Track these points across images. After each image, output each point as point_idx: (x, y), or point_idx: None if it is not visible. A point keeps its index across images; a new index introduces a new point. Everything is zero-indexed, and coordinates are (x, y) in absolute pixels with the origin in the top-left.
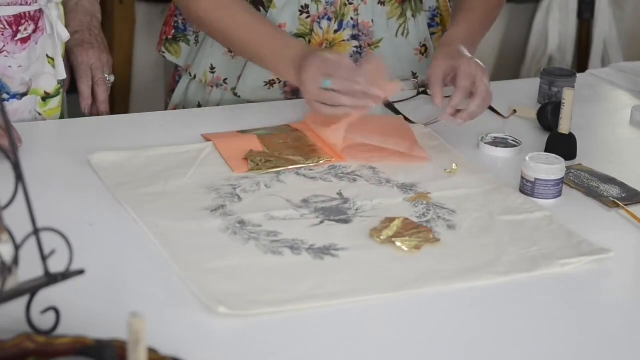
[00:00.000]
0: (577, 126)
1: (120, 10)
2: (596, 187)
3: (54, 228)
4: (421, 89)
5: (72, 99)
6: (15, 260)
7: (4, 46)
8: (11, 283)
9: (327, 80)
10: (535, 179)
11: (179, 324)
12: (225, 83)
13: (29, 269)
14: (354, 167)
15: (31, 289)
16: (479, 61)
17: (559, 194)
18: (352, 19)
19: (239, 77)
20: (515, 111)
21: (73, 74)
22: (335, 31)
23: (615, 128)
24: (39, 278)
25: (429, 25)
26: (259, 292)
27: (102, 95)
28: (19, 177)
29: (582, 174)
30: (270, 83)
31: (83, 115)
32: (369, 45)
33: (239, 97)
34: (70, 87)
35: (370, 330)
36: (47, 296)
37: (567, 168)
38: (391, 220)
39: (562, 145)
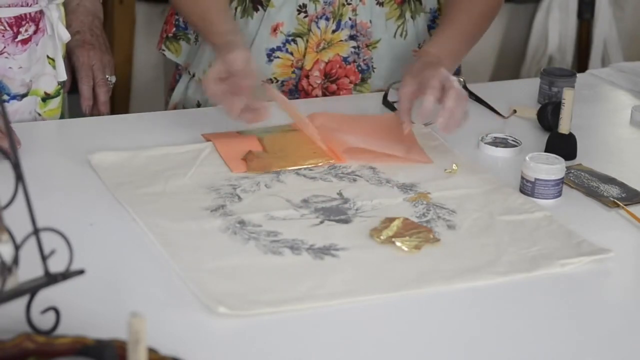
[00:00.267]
0: (577, 126)
1: (120, 10)
2: (596, 187)
3: (54, 228)
4: None
5: (73, 99)
6: (15, 260)
7: (5, 47)
8: (11, 283)
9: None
10: (535, 179)
11: (179, 324)
12: None
13: (29, 269)
14: (354, 167)
15: (31, 289)
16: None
17: (559, 194)
18: (350, 19)
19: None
20: (515, 111)
21: (74, 75)
22: (333, 31)
23: (615, 128)
24: (39, 278)
25: (430, 27)
26: (259, 292)
27: (103, 96)
28: (19, 177)
29: (582, 174)
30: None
31: (83, 116)
32: (367, 45)
33: None
34: (71, 87)
35: (370, 330)
36: (47, 296)
37: (567, 168)
38: (391, 220)
39: (562, 145)
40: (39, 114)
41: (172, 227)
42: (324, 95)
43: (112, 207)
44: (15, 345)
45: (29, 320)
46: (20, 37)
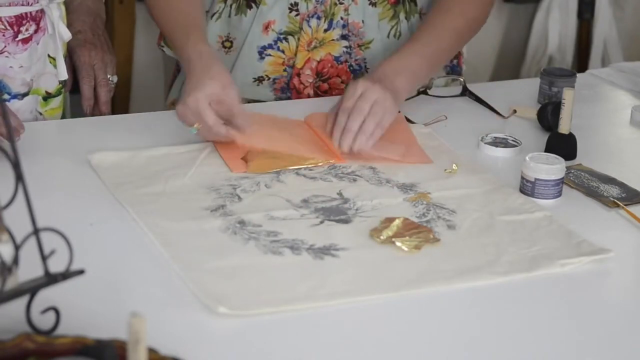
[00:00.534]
0: (577, 126)
1: (120, 10)
2: (596, 187)
3: (54, 228)
4: (421, 89)
5: (74, 99)
6: (15, 260)
7: (5, 47)
8: (11, 283)
9: (192, 128)
10: (535, 179)
11: (179, 324)
12: None
13: (29, 269)
14: (354, 167)
15: (31, 289)
16: (387, 92)
17: (559, 194)
18: (342, 18)
19: (230, 73)
20: (515, 111)
21: (75, 74)
22: (325, 30)
23: (615, 128)
24: (39, 278)
25: None
26: (259, 292)
27: (104, 96)
28: (19, 177)
29: (582, 174)
30: (259, 80)
31: (84, 116)
32: (359, 46)
33: None
34: (73, 87)
35: (370, 330)
36: (47, 296)
37: (567, 168)
38: (391, 220)
39: (562, 145)
40: (40, 113)
41: (172, 227)
42: (316, 94)
43: (112, 207)
44: (15, 345)
45: (29, 320)
46: (21, 36)
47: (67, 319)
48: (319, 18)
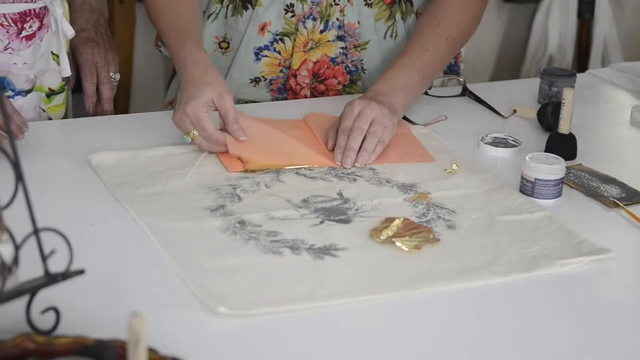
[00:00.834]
0: (577, 126)
1: (120, 10)
2: (596, 187)
3: (54, 228)
4: None
5: (77, 98)
6: (15, 260)
7: (9, 43)
8: (11, 283)
9: (186, 137)
10: (535, 179)
11: (179, 324)
12: None
13: (29, 269)
14: (354, 167)
15: (31, 289)
16: (384, 108)
17: (559, 194)
18: (337, 19)
19: (227, 74)
20: (515, 111)
21: (78, 72)
22: (321, 31)
23: (615, 128)
24: (39, 278)
25: None
26: (259, 292)
27: (107, 93)
28: (19, 177)
29: (582, 174)
30: (256, 80)
31: (86, 114)
32: (355, 47)
33: None
34: (75, 86)
35: (370, 330)
36: (47, 296)
37: (567, 168)
38: (391, 220)
39: (562, 145)
40: (44, 110)
41: (172, 227)
42: (313, 95)
43: (112, 207)
44: (15, 345)
45: (29, 320)
46: (24, 33)
47: (67, 319)
48: (314, 19)
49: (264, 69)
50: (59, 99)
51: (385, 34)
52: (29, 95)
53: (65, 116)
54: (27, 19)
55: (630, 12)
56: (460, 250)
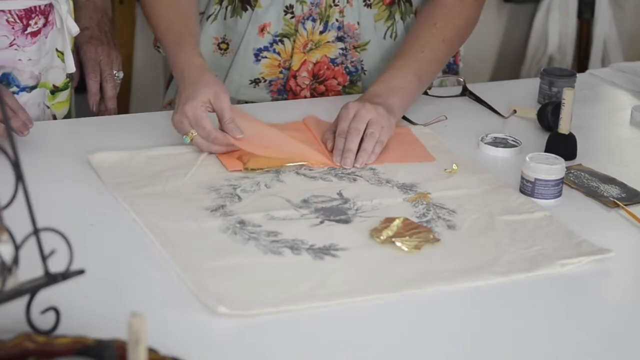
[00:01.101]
0: (577, 126)
1: (121, 10)
2: (596, 187)
3: (54, 228)
4: None
5: (81, 98)
6: (15, 260)
7: (14, 40)
8: (11, 283)
9: (185, 137)
10: (535, 179)
11: (179, 324)
12: None
13: (29, 269)
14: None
15: (31, 289)
16: (380, 108)
17: (559, 194)
18: (337, 20)
19: (226, 75)
20: (515, 111)
21: (82, 71)
22: (321, 32)
23: (615, 128)
24: (39, 278)
25: None
26: (259, 292)
27: (110, 91)
28: (19, 177)
29: (582, 174)
30: (256, 82)
31: (91, 113)
32: (355, 47)
33: None
34: (79, 85)
35: (370, 330)
36: (47, 296)
37: (567, 168)
38: (391, 220)
39: (562, 145)
40: (48, 107)
41: (172, 227)
42: (312, 96)
43: (112, 207)
44: (15, 345)
45: (29, 320)
46: (29, 30)
47: (67, 319)
48: (314, 20)
49: (264, 70)
50: (63, 95)
51: (385, 34)
52: (34, 91)
53: (69, 113)
54: (33, 15)
55: (630, 12)
56: (460, 250)
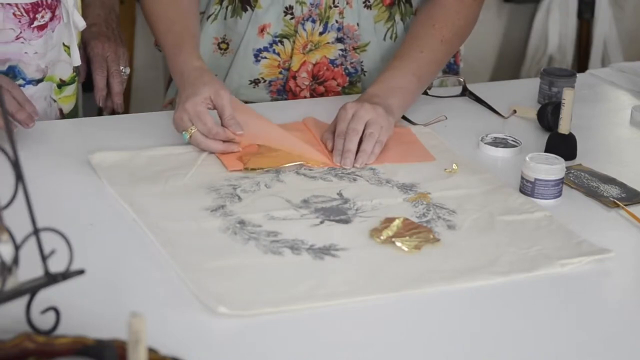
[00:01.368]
0: (577, 126)
1: (121, 10)
2: (596, 187)
3: (54, 228)
4: None
5: (87, 97)
6: (15, 260)
7: (21, 33)
8: (11, 283)
9: (185, 133)
10: (535, 179)
11: (179, 324)
12: None
13: (29, 269)
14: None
15: (31, 289)
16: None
17: (559, 194)
18: (336, 21)
19: (226, 75)
20: (515, 111)
21: (89, 67)
22: (320, 33)
23: (615, 128)
24: (39, 278)
25: None
26: (259, 292)
27: (117, 87)
28: (19, 177)
29: (582, 174)
30: (255, 82)
31: (97, 108)
32: (354, 49)
33: None
34: (86, 83)
35: (370, 330)
36: (47, 296)
37: (567, 168)
38: (391, 220)
39: (562, 145)
40: (54, 100)
41: (172, 227)
42: (312, 97)
43: (112, 207)
44: (15, 345)
45: (29, 320)
46: (36, 23)
47: (67, 319)
48: (314, 21)
49: (264, 70)
50: (70, 89)
51: (385, 35)
52: (40, 84)
53: (75, 108)
54: (39, 9)
55: (630, 12)
56: (460, 250)
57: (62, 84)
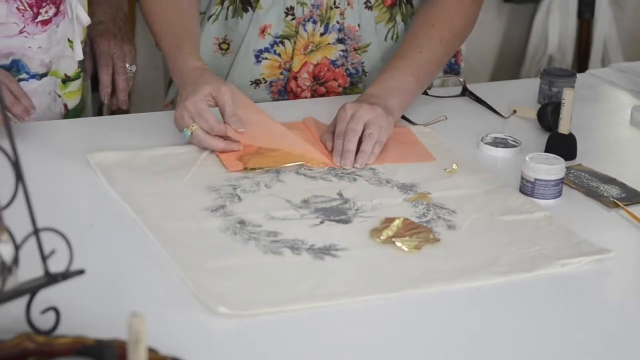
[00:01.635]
0: (577, 126)
1: None
2: (596, 187)
3: (54, 228)
4: None
5: (96, 95)
6: (15, 260)
7: (24, 27)
8: (11, 283)
9: (186, 130)
10: (535, 179)
11: (179, 324)
12: None
13: (29, 269)
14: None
15: (31, 289)
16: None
17: (559, 194)
18: (337, 22)
19: (227, 75)
20: (515, 111)
21: (96, 64)
22: (321, 34)
23: (615, 128)
24: (39, 278)
25: None
26: (259, 292)
27: (122, 84)
28: (19, 177)
29: (582, 174)
30: (256, 83)
31: (102, 105)
32: (355, 49)
33: None
34: (92, 83)
35: (370, 330)
36: (47, 296)
37: (567, 168)
38: (391, 220)
39: (562, 145)
40: (59, 95)
41: (172, 227)
42: (313, 97)
43: (112, 207)
44: (15, 345)
45: (29, 320)
46: (40, 18)
47: (67, 319)
48: (314, 22)
49: (264, 71)
50: (75, 85)
51: (386, 36)
52: (44, 79)
53: (82, 104)
54: (43, 4)
55: (630, 12)
56: (460, 250)
57: (66, 79)
